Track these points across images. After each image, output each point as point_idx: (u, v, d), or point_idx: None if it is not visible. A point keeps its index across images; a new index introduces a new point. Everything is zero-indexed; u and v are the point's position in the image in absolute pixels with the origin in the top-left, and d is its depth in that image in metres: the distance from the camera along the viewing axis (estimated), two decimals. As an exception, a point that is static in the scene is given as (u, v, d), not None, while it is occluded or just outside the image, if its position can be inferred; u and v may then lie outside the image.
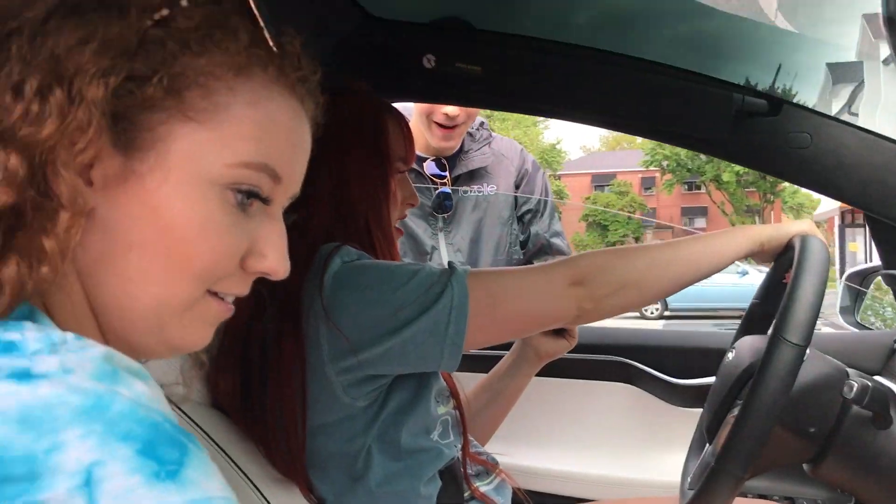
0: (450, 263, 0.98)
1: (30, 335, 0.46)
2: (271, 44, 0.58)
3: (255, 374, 0.98)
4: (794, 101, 1.31)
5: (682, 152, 29.95)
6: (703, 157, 29.68)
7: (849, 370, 1.04)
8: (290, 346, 0.95)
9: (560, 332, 1.28)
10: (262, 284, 0.98)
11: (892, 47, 0.89)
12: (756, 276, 13.13)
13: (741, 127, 1.29)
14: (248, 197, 0.57)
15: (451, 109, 1.90)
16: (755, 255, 1.10)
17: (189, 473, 0.43)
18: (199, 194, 0.54)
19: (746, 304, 1.20)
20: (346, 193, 1.04)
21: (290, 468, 0.98)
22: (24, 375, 0.43)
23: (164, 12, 0.53)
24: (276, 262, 0.60)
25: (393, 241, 1.09)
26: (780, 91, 1.38)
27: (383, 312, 0.93)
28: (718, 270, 1.06)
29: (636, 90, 1.31)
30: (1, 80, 0.49)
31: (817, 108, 1.28)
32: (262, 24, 0.57)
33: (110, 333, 0.56)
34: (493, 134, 2.11)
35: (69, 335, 0.46)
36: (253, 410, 0.99)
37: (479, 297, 0.95)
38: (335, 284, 0.94)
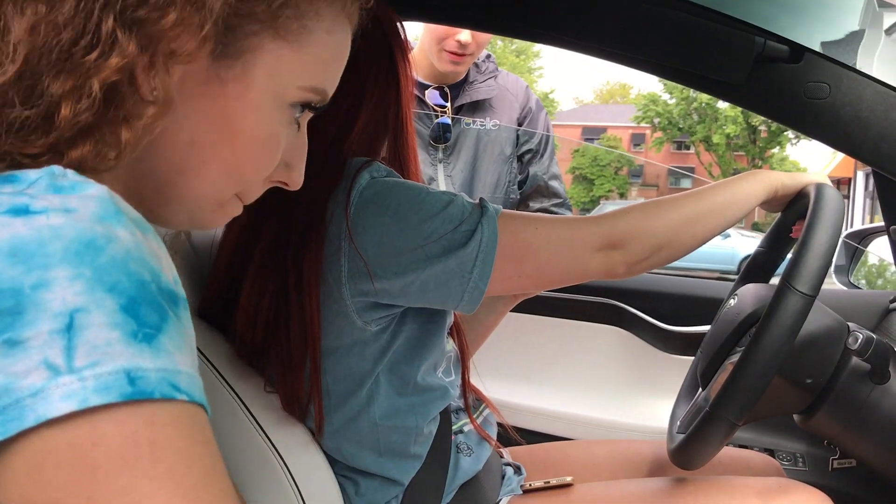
0: (481, 200, 0.93)
1: (30, 171, 0.45)
2: None
3: (274, 288, 0.93)
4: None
5: (675, 110, 29.81)
6: (695, 116, 29.58)
7: (849, 324, 1.03)
8: (311, 261, 0.90)
9: None
10: (287, 197, 0.93)
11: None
12: (738, 239, 13.22)
13: (760, 72, 1.24)
14: (300, 113, 0.61)
15: (464, 37, 1.84)
16: (766, 203, 1.07)
17: (164, 341, 0.42)
18: (270, 110, 0.57)
19: (726, 266, 1.19)
20: (385, 104, 0.99)
21: (298, 384, 0.93)
22: (22, 211, 0.42)
23: None
24: (298, 175, 0.65)
25: (416, 155, 1.05)
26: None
27: (408, 244, 0.88)
28: (741, 219, 1.04)
29: (654, 25, 1.26)
30: None
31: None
32: None
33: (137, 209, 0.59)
34: (500, 69, 2.05)
35: (69, 171, 0.45)
36: (263, 325, 0.93)
37: (508, 245, 0.91)
38: (361, 202, 0.90)
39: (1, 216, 0.41)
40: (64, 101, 0.47)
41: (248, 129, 0.56)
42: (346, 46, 0.63)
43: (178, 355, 0.43)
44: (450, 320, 1.05)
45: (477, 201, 0.93)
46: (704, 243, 1.02)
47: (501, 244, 0.90)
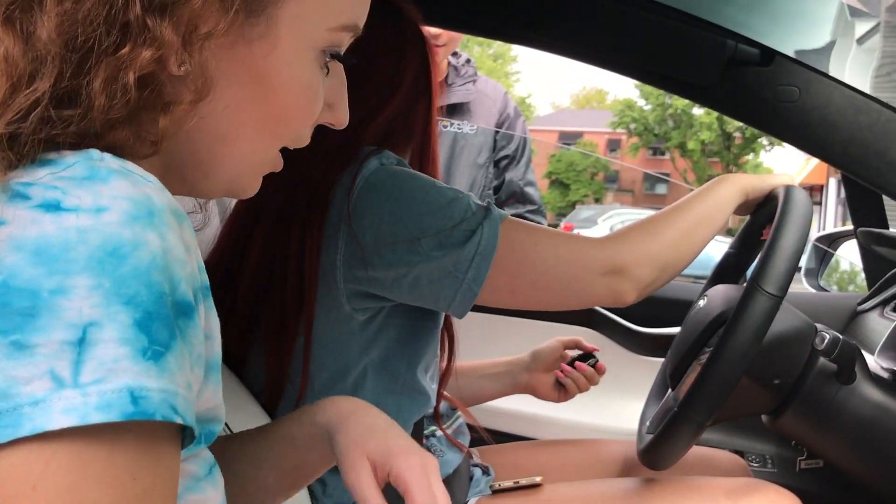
0: (489, 203, 0.92)
1: (69, 154, 0.43)
2: None
3: (271, 268, 0.94)
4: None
5: (650, 116, 30.04)
6: (670, 122, 29.83)
7: (817, 325, 1.04)
8: (311, 240, 0.90)
9: (561, 384, 1.25)
10: (294, 177, 0.92)
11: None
12: (713, 244, 13.31)
13: (731, 75, 1.26)
14: (332, 57, 0.57)
15: (433, 30, 1.84)
16: (739, 206, 1.07)
17: (170, 360, 0.41)
18: (301, 61, 0.54)
19: (702, 272, 1.20)
20: (413, 111, 1.00)
21: (286, 357, 0.93)
22: (53, 206, 0.40)
23: None
24: (342, 113, 0.62)
25: (438, 168, 1.05)
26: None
27: (405, 234, 0.87)
28: (725, 224, 1.05)
29: (628, 27, 1.27)
30: None
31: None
32: None
33: (176, 183, 0.55)
34: (479, 74, 2.06)
35: (107, 155, 0.44)
36: (256, 303, 0.95)
37: (504, 255, 0.89)
38: (366, 187, 0.90)
39: (32, 210, 0.40)
40: (98, 95, 0.45)
41: (281, 84, 0.53)
42: None
43: (178, 375, 0.42)
44: (440, 322, 1.04)
45: (485, 203, 0.91)
46: (699, 254, 1.02)
47: (501, 251, 0.88)
